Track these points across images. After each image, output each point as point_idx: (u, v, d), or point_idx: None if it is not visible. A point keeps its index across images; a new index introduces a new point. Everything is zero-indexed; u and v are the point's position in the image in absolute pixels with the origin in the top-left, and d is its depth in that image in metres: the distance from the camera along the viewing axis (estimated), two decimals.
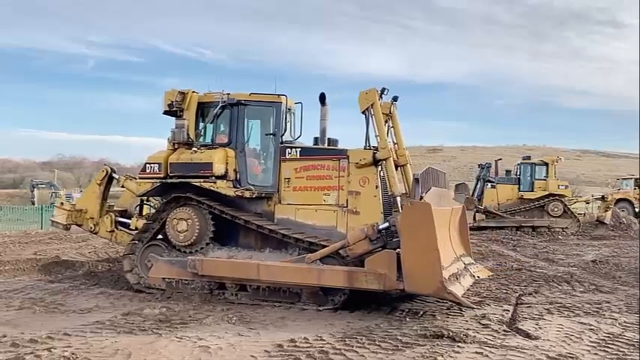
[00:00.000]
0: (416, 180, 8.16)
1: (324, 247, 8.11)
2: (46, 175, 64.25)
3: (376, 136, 8.67)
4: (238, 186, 9.13)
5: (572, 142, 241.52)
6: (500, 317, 7.51)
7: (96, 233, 11.12)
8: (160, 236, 9.66)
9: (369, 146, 8.83)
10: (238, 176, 9.25)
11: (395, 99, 9.52)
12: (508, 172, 26.46)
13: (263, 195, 9.11)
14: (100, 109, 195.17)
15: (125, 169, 25.23)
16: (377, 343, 6.15)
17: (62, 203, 11.37)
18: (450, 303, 8.26)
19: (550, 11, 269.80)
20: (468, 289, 8.58)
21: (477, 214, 23.37)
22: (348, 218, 8.51)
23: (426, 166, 8.82)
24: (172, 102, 9.52)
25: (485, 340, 6.33)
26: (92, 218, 10.90)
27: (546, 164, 24.77)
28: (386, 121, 9.28)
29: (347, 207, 8.56)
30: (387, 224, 7.78)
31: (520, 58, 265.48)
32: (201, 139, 9.62)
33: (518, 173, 25.27)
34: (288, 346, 6.01)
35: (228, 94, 9.42)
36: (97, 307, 7.99)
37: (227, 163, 9.16)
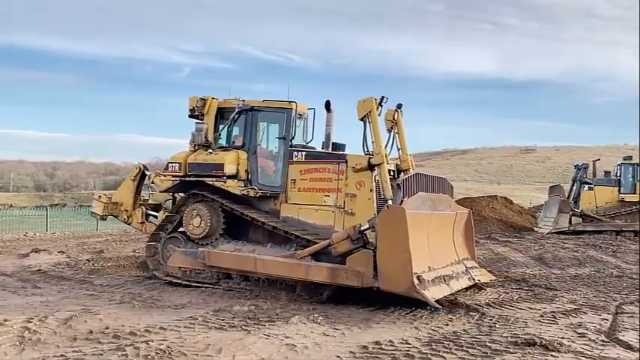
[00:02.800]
0: (397, 185, 8.66)
1: (314, 243, 8.81)
2: None
3: (372, 142, 9.08)
4: (249, 185, 9.87)
5: None
6: (598, 326, 7.09)
7: (129, 224, 12.16)
8: (181, 229, 10.46)
9: (368, 152, 9.20)
10: (250, 176, 9.99)
11: (399, 106, 9.97)
12: (607, 173, 25.01)
13: (268, 194, 9.83)
14: None
15: None
16: (464, 348, 5.99)
17: (100, 196, 12.36)
18: (544, 310, 7.98)
19: None
20: (463, 291, 9.06)
21: (572, 217, 22.29)
22: (345, 219, 8.98)
23: (413, 172, 9.34)
24: (194, 107, 10.42)
25: (582, 350, 6.00)
26: (126, 210, 11.87)
27: None
28: (391, 128, 9.91)
29: (344, 208, 9.10)
30: (367, 225, 8.22)
31: (621, 52, 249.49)
32: (221, 142, 10.38)
33: (618, 174, 23.87)
34: (373, 348, 5.99)
35: (244, 100, 10.12)
36: (190, 303, 8.35)
37: (238, 164, 9.95)
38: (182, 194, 10.67)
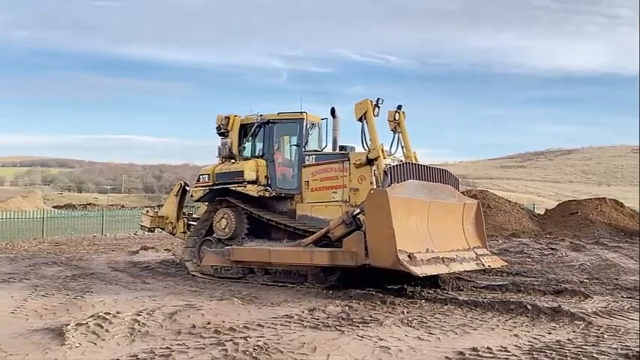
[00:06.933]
0: (384, 172, 9.22)
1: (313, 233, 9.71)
2: None
3: (370, 139, 9.94)
4: (269, 189, 11.00)
5: None
6: None
7: (174, 234, 13.54)
8: (215, 235, 11.55)
9: (368, 149, 9.97)
10: (269, 181, 11.11)
11: (399, 107, 10.96)
12: None
13: (283, 195, 11.00)
14: None
15: None
16: (568, 359, 5.67)
17: (147, 211, 13.89)
18: None
19: None
20: (464, 272, 10.12)
21: None
22: None
23: (402, 162, 10.01)
24: (219, 125, 11.81)
25: None
26: (171, 222, 13.26)
27: None
28: (394, 128, 10.95)
29: (349, 202, 10.05)
30: (358, 210, 8.91)
31: None
32: (245, 154, 11.61)
33: None
34: (470, 354, 5.82)
35: (262, 115, 11.31)
36: (286, 302, 8.55)
37: (258, 171, 11.08)
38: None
